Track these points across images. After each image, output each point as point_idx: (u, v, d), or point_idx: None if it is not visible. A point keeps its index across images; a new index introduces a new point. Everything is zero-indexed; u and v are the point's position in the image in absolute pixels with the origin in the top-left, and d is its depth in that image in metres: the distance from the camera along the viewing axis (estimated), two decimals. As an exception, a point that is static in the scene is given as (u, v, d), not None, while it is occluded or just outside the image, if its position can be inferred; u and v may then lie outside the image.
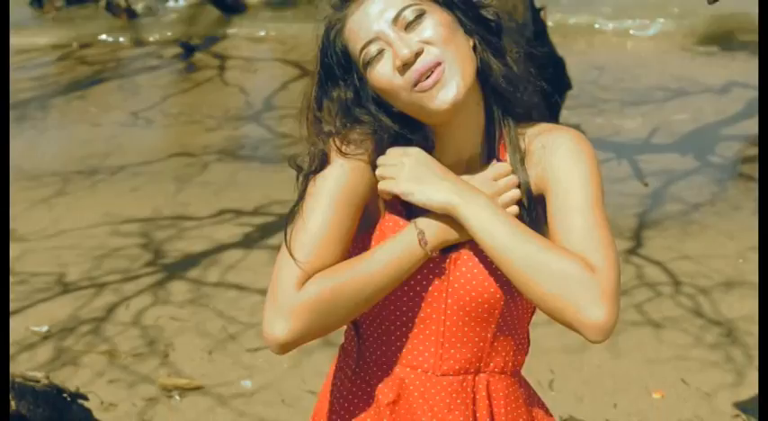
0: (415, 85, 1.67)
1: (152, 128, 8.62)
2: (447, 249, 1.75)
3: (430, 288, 1.77)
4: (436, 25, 1.69)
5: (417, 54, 1.67)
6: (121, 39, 11.50)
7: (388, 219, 1.78)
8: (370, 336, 1.85)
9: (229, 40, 11.29)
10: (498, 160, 1.80)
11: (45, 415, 3.29)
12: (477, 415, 1.83)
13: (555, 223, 1.73)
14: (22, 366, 4.26)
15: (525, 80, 1.79)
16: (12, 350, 4.42)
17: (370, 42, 1.70)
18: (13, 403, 3.11)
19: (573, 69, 7.72)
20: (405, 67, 1.67)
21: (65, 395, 3.42)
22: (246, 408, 4.08)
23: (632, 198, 6.47)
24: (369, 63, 1.71)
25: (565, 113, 7.89)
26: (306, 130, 1.78)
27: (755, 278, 4.77)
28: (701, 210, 6.23)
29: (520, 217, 1.74)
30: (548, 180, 1.76)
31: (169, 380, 4.28)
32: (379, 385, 1.84)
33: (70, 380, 4.18)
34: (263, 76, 10.08)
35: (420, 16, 1.69)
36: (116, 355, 4.52)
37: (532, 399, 1.96)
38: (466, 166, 1.79)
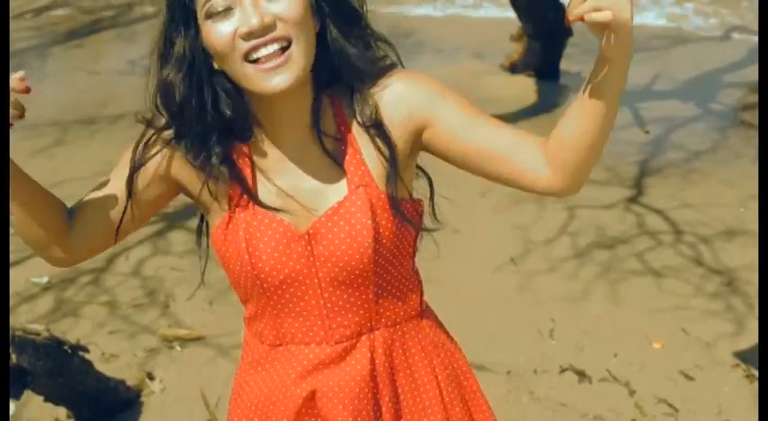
0: (248, 54, 1.58)
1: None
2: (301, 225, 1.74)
3: (298, 267, 1.74)
4: (296, 2, 1.59)
5: (267, 27, 1.56)
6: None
7: (248, 213, 1.75)
8: (261, 322, 1.85)
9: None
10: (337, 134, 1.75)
11: (46, 367, 3.30)
12: (378, 370, 1.83)
13: (473, 131, 1.72)
14: (23, 318, 4.27)
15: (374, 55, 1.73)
16: (12, 301, 4.43)
17: None
18: (13, 356, 3.12)
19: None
20: (249, 35, 1.56)
21: (65, 347, 3.43)
22: (247, 359, 4.09)
23: (633, 146, 6.45)
24: (211, 17, 1.59)
25: (566, 61, 7.85)
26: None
27: (756, 227, 4.77)
28: (702, 158, 6.21)
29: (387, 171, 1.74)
30: (421, 111, 1.72)
31: (170, 330, 4.29)
32: (287, 378, 1.84)
33: (71, 331, 4.19)
34: (261, 24, 10.00)
35: None
36: (116, 306, 4.53)
37: (439, 336, 1.95)
38: (299, 141, 1.74)
